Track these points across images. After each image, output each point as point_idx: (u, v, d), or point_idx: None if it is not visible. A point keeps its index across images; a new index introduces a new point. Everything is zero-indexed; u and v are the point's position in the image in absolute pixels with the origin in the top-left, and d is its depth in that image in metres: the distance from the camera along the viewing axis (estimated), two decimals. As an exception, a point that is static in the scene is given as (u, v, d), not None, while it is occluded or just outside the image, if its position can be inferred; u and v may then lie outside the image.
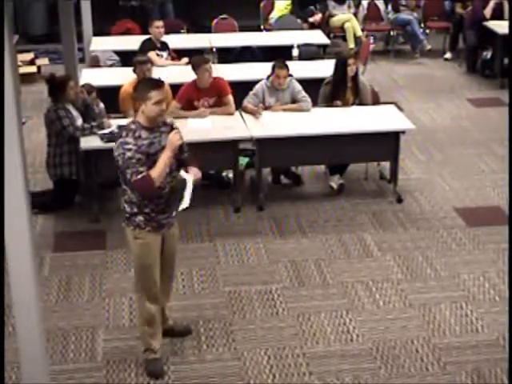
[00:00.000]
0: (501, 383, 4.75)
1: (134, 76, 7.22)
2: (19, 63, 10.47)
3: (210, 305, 5.58)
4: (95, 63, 9.36)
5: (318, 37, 10.32)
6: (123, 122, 6.27)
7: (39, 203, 6.87)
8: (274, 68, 7.21)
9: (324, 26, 11.67)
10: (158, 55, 8.91)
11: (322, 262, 6.15)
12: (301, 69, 8.33)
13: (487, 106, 9.82)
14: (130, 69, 7.29)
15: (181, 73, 8.12)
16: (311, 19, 11.81)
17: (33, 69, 11.04)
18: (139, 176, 4.39)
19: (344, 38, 11.86)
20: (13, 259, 4.10)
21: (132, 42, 9.37)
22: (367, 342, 5.15)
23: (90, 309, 5.57)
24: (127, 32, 10.66)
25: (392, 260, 6.18)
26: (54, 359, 4.97)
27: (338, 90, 7.36)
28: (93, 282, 5.90)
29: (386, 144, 7.11)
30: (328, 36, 10.94)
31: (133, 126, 4.50)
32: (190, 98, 7.15)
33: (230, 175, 7.31)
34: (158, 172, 4.42)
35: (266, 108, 7.27)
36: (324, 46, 10.24)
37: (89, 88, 7.28)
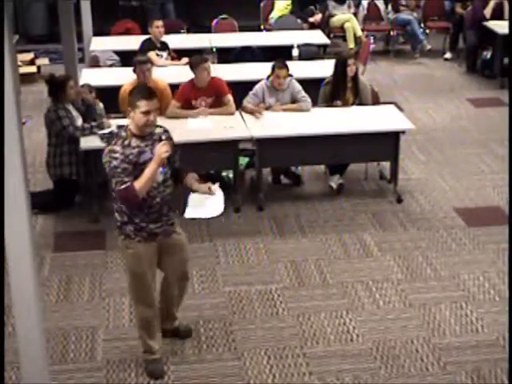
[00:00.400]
0: (501, 383, 4.75)
1: (134, 76, 7.21)
2: (19, 63, 10.48)
3: (210, 305, 5.58)
4: (95, 63, 9.36)
5: (317, 37, 10.32)
6: (123, 122, 6.27)
7: (39, 203, 6.87)
8: (273, 68, 7.21)
9: (324, 25, 11.67)
10: (157, 55, 8.91)
11: (321, 262, 6.15)
12: (301, 69, 8.32)
13: (487, 105, 9.82)
14: (130, 69, 7.28)
15: (181, 73, 8.12)
16: (311, 19, 11.82)
17: (33, 69, 11.04)
18: (123, 186, 4.32)
19: (344, 38, 11.86)
20: (13, 259, 4.09)
21: (132, 42, 9.37)
22: (367, 342, 5.15)
23: (90, 309, 5.57)
24: (127, 32, 10.66)
25: (392, 260, 6.18)
26: (53, 359, 4.97)
27: (338, 90, 7.36)
28: (93, 282, 5.90)
29: (385, 144, 7.10)
30: (328, 36, 10.94)
31: (123, 134, 4.42)
32: (187, 97, 7.15)
33: (230, 175, 7.30)
34: (141, 184, 4.33)
35: (266, 108, 7.28)
36: (324, 46, 10.24)
37: (88, 88, 7.29)
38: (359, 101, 7.46)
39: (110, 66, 9.39)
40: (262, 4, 12.07)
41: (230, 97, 7.22)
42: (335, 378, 4.80)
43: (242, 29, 11.10)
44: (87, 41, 10.08)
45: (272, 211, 7.02)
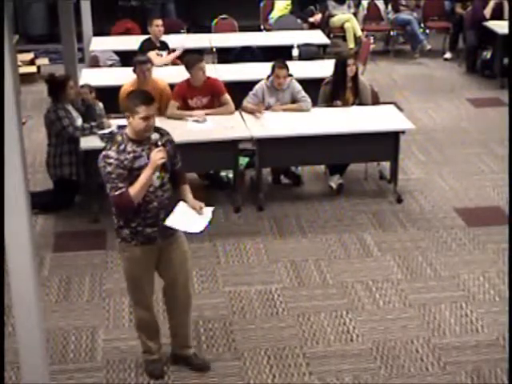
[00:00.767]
0: (501, 383, 4.75)
1: (134, 76, 7.22)
2: (19, 63, 10.48)
3: (210, 305, 5.58)
4: (95, 63, 9.36)
5: (317, 37, 10.32)
6: (123, 122, 6.26)
7: (39, 203, 6.86)
8: (273, 68, 7.21)
9: (324, 26, 11.67)
10: (158, 55, 8.90)
11: (321, 262, 6.15)
12: (301, 69, 8.33)
13: (487, 106, 9.81)
14: (130, 69, 7.28)
15: (181, 73, 8.12)
16: (311, 19, 11.82)
17: (33, 69, 11.04)
18: (117, 192, 4.30)
19: (344, 38, 11.86)
20: (13, 259, 4.10)
21: (132, 42, 9.36)
22: (367, 342, 5.15)
23: (90, 309, 5.57)
24: (127, 32, 10.66)
25: (392, 260, 6.18)
26: (53, 359, 4.97)
27: (338, 90, 7.36)
28: (93, 282, 5.90)
29: (385, 144, 7.10)
30: (328, 36, 10.94)
31: (119, 138, 4.37)
32: (183, 97, 7.16)
33: (230, 175, 7.30)
34: (136, 190, 4.30)
35: (266, 108, 7.28)
36: (324, 46, 10.24)
37: (88, 88, 7.28)
38: (359, 101, 7.46)
39: (110, 66, 9.39)
40: (262, 4, 12.08)
41: (227, 96, 7.21)
42: (335, 378, 4.80)
43: (242, 29, 11.10)
44: (87, 41, 10.08)
45: (272, 211, 7.02)
